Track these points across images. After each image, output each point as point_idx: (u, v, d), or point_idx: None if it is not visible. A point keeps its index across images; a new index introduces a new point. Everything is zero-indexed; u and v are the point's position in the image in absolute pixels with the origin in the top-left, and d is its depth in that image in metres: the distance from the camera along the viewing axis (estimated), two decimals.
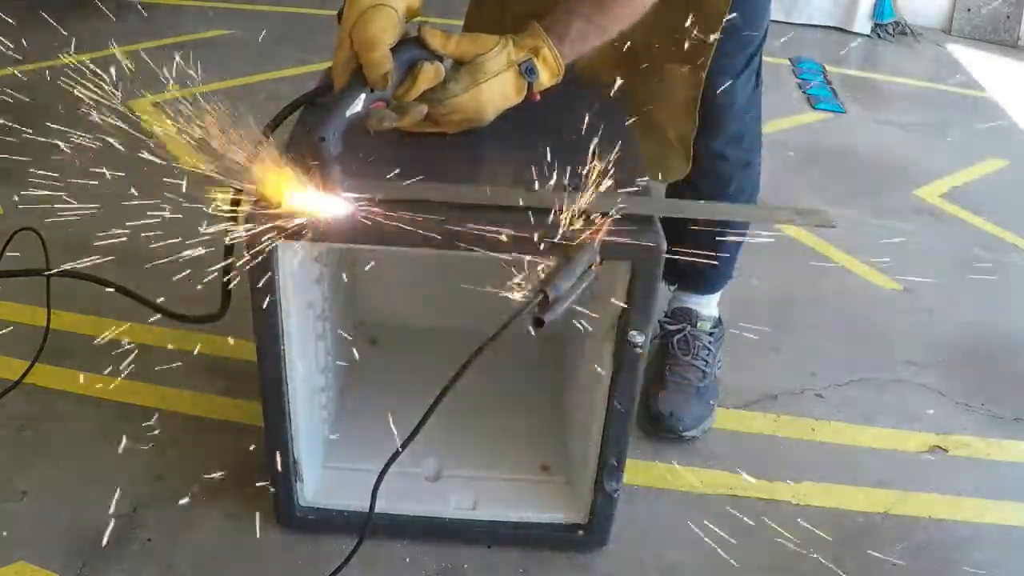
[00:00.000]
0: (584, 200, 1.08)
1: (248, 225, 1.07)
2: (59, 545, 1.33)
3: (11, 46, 2.41)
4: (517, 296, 0.98)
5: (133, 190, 2.32)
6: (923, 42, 4.03)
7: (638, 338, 1.14)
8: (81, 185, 2.34)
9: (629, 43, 1.37)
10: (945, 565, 1.41)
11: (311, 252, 1.25)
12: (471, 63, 1.14)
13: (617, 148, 1.13)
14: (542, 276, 0.99)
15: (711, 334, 1.72)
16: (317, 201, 1.05)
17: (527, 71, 1.16)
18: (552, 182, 1.12)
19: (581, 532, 1.35)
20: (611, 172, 1.11)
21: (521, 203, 1.08)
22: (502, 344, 0.99)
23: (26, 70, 2.78)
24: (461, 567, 1.34)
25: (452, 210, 1.08)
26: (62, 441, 1.52)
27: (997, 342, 1.96)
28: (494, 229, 1.05)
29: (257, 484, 1.39)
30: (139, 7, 3.70)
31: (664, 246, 1.08)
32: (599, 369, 1.21)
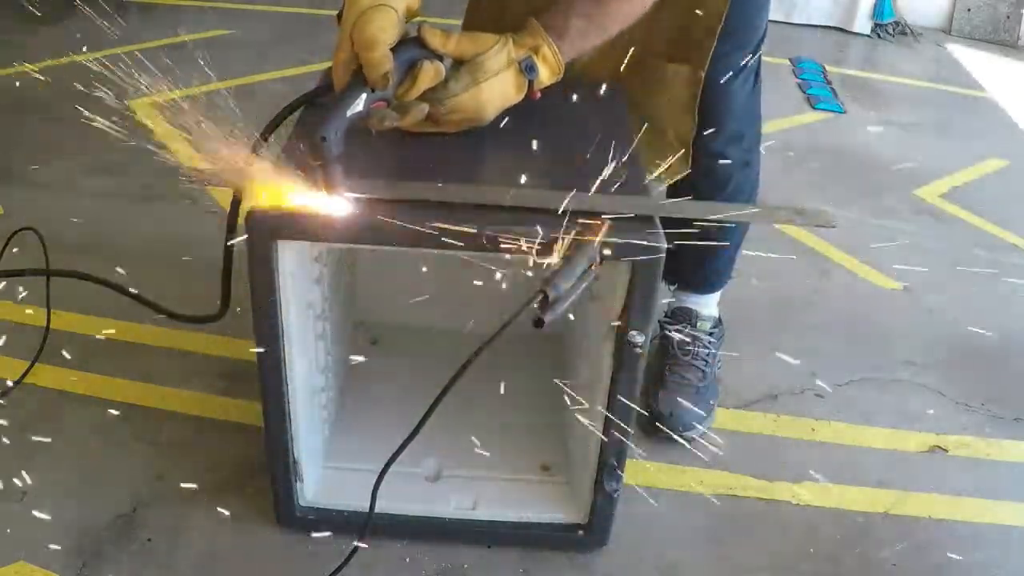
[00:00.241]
0: (584, 200, 1.08)
1: (248, 225, 1.07)
2: (59, 545, 1.33)
3: (11, 45, 2.41)
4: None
5: (133, 190, 2.33)
6: (923, 42, 4.04)
7: (638, 338, 1.14)
8: (81, 185, 2.34)
9: (629, 43, 1.37)
10: (945, 565, 1.41)
11: (311, 252, 1.25)
12: (471, 62, 1.15)
13: (617, 148, 1.13)
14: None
15: (711, 334, 1.72)
16: (318, 201, 1.05)
17: (527, 69, 1.16)
18: (552, 182, 1.12)
19: (581, 532, 1.35)
20: (611, 172, 1.11)
21: (521, 203, 1.08)
22: (502, 344, 0.99)
23: (26, 70, 2.78)
24: (461, 567, 1.34)
25: (453, 210, 1.08)
26: (62, 441, 1.52)
27: (997, 342, 1.95)
28: (495, 229, 1.05)
29: (257, 484, 1.39)
30: (140, 7, 3.70)
31: (664, 246, 1.08)
32: (599, 369, 1.21)
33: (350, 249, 1.37)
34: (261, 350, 1.17)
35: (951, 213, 2.52)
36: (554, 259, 1.02)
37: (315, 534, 1.34)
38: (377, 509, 1.18)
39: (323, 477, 1.40)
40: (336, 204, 1.06)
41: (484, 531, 1.37)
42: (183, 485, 1.43)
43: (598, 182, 1.12)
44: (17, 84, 2.80)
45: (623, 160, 1.14)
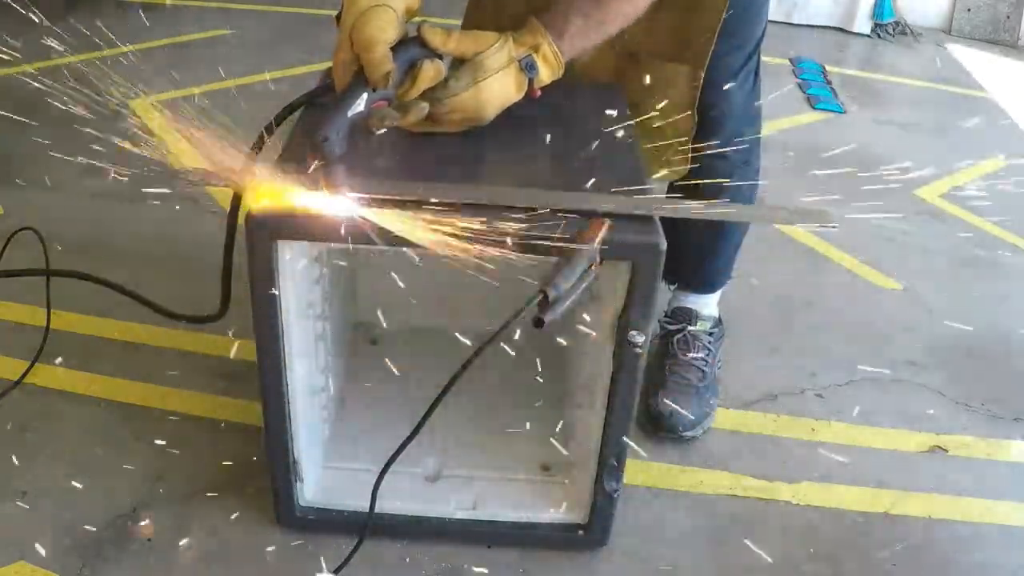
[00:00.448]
0: (584, 200, 1.08)
1: (248, 225, 1.07)
2: (59, 545, 1.33)
3: (11, 46, 2.41)
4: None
5: (133, 190, 2.33)
6: (923, 42, 4.04)
7: (638, 338, 1.14)
8: (81, 185, 2.34)
9: (628, 42, 1.37)
10: (945, 565, 1.41)
11: (311, 252, 1.25)
12: (471, 61, 1.15)
13: (617, 148, 1.13)
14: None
15: (711, 334, 1.72)
16: (320, 201, 1.05)
17: (527, 67, 1.16)
18: (552, 182, 1.12)
19: (581, 532, 1.35)
20: (611, 172, 1.11)
21: (522, 203, 1.08)
22: (502, 344, 0.99)
23: (27, 70, 2.78)
24: (461, 567, 1.34)
25: (453, 210, 1.08)
26: (62, 441, 1.52)
27: (997, 342, 1.95)
28: (495, 229, 1.05)
29: (257, 484, 1.39)
30: (139, 7, 3.70)
31: (664, 246, 1.08)
32: (599, 369, 1.21)
33: (350, 249, 1.36)
34: (261, 350, 1.17)
35: (951, 213, 2.52)
36: (554, 259, 1.02)
37: (315, 534, 1.35)
38: (377, 509, 1.18)
39: (323, 477, 1.40)
40: (338, 204, 1.05)
41: (484, 531, 1.37)
42: (183, 485, 1.43)
43: (598, 182, 1.12)
44: (17, 84, 2.80)
45: (623, 160, 1.14)
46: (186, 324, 1.40)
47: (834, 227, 1.20)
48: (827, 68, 3.53)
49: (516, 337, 0.99)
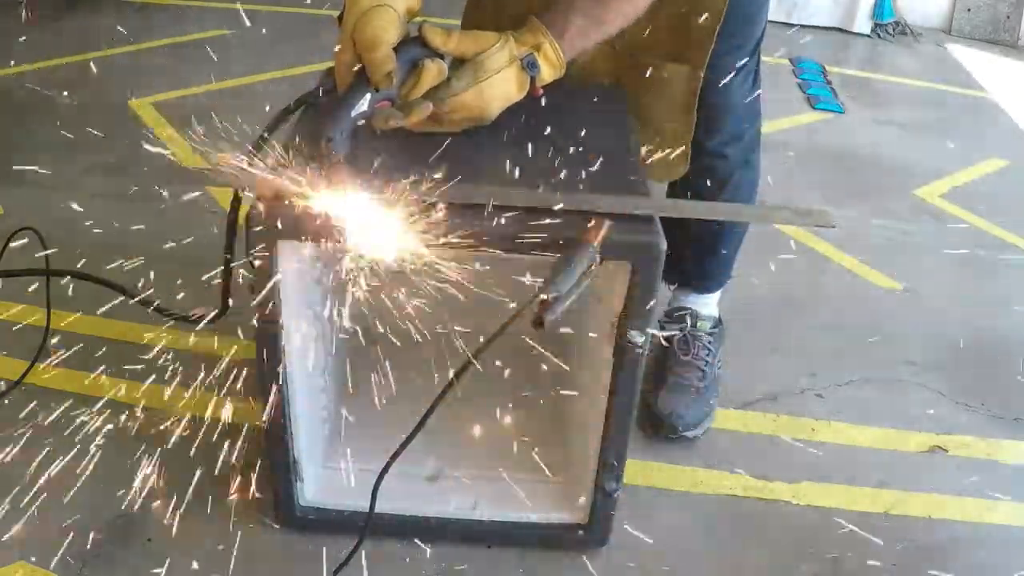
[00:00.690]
0: (584, 200, 1.08)
1: (248, 225, 1.07)
2: (59, 545, 1.33)
3: (11, 46, 2.41)
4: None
5: (133, 189, 2.33)
6: (923, 42, 4.03)
7: (638, 338, 1.14)
8: (81, 185, 2.34)
9: (628, 42, 1.37)
10: (945, 565, 1.41)
11: (311, 252, 1.25)
12: (473, 61, 1.15)
13: (617, 148, 1.13)
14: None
15: (711, 334, 1.72)
16: (323, 201, 1.05)
17: (529, 66, 1.16)
18: (553, 182, 1.12)
19: (581, 532, 1.35)
20: (611, 172, 1.11)
21: (522, 203, 1.08)
22: (502, 344, 0.99)
23: (27, 70, 2.78)
24: (461, 567, 1.34)
25: (453, 210, 1.08)
26: (62, 441, 1.52)
27: (997, 342, 1.95)
28: (495, 229, 1.05)
29: (257, 484, 1.39)
30: (139, 8, 3.70)
31: (664, 246, 1.08)
32: (599, 369, 1.21)
33: (350, 249, 1.36)
34: (261, 350, 1.17)
35: (951, 213, 2.52)
36: (554, 259, 1.02)
37: (315, 534, 1.35)
38: (377, 509, 1.18)
39: (323, 477, 1.40)
40: (341, 204, 1.05)
41: (484, 531, 1.37)
42: (183, 485, 1.43)
43: (598, 182, 1.12)
44: (17, 84, 2.80)
45: (623, 160, 1.14)
46: (186, 324, 1.40)
47: (834, 227, 1.20)
48: (827, 68, 3.53)
49: (516, 337, 0.99)
